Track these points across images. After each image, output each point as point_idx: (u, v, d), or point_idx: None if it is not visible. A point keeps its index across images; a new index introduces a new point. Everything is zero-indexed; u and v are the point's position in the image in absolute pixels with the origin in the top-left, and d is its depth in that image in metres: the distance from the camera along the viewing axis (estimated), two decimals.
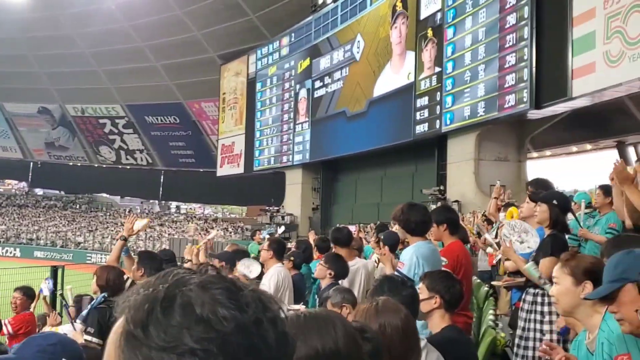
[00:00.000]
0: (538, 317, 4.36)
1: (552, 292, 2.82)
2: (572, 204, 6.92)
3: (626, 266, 2.32)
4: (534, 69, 14.28)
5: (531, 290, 4.49)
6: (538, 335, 4.35)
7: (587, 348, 2.66)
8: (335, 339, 1.45)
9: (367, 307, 2.59)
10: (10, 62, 42.21)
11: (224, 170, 33.89)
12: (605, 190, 6.26)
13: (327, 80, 24.87)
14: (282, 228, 6.87)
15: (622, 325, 2.35)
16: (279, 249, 6.64)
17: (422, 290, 3.48)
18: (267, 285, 6.17)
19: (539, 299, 4.41)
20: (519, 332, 4.54)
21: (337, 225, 7.10)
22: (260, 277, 6.82)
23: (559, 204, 4.52)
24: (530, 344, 4.40)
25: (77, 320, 5.18)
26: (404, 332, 2.39)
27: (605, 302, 2.44)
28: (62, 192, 52.29)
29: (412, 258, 4.41)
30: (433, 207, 16.60)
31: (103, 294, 4.86)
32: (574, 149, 18.75)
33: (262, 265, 6.85)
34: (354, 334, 1.52)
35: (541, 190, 5.56)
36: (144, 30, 36.59)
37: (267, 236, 11.23)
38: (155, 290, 0.86)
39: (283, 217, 27.02)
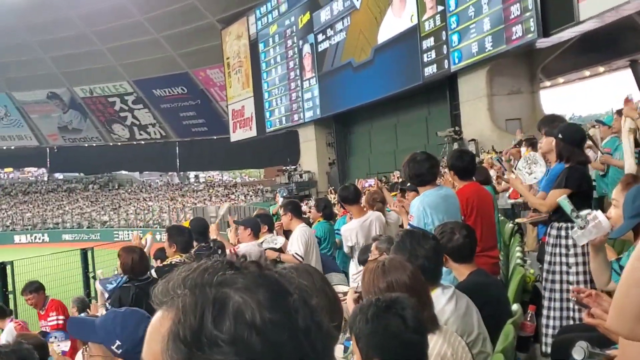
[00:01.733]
0: (563, 250, 4.34)
1: (611, 214, 2.80)
2: (607, 127, 6.84)
3: None
4: None
5: (555, 225, 4.45)
6: (564, 268, 4.34)
7: None
8: None
9: (374, 267, 2.61)
10: (14, 51, 42.20)
11: (237, 135, 33.89)
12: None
13: (329, 32, 24.52)
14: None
15: None
16: (295, 209, 6.64)
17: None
18: (297, 245, 6.20)
19: (563, 233, 4.37)
20: (545, 266, 4.53)
21: (346, 183, 7.10)
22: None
23: (564, 137, 4.43)
24: (557, 277, 4.39)
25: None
26: (412, 288, 2.41)
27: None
28: (82, 174, 52.72)
29: (419, 209, 4.38)
30: (452, 147, 16.55)
31: (127, 276, 4.91)
32: (587, 73, 18.43)
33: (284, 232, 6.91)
34: None
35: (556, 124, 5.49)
36: (140, 2, 36.23)
37: (282, 199, 11.25)
38: (204, 292, 0.84)
39: (301, 175, 27.08)
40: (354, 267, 5.77)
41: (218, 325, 0.81)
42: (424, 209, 4.35)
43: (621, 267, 2.98)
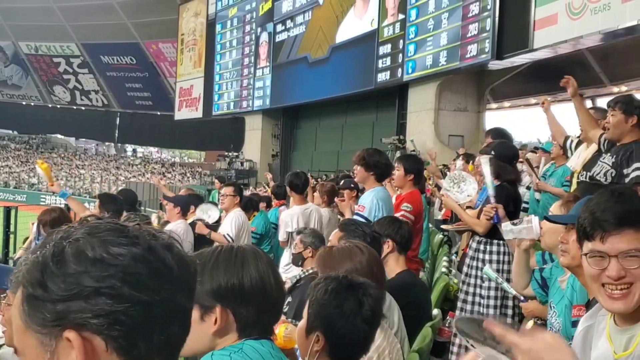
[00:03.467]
0: (480, 264, 4.41)
1: (542, 225, 2.90)
2: (546, 153, 7.03)
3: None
4: (496, 19, 14.22)
5: (476, 238, 4.55)
6: (479, 281, 4.43)
7: (559, 284, 2.82)
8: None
9: (324, 252, 2.62)
10: None
11: (182, 114, 33.33)
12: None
13: (289, 24, 24.40)
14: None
15: (562, 257, 2.48)
16: (242, 195, 6.72)
17: None
18: (229, 227, 6.20)
19: (482, 247, 4.47)
20: (462, 277, 4.63)
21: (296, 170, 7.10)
22: (218, 222, 6.82)
23: (497, 155, 4.51)
24: (471, 289, 4.49)
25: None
26: (374, 274, 2.47)
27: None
28: (15, 132, 51.00)
29: (372, 201, 4.49)
30: (395, 155, 16.71)
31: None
32: (533, 100, 18.86)
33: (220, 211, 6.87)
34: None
35: (498, 139, 5.61)
36: None
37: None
38: (44, 250, 0.87)
39: (242, 163, 26.86)
40: (286, 257, 5.75)
41: (61, 268, 0.85)
42: (377, 201, 4.46)
43: (543, 278, 3.06)
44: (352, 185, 7.21)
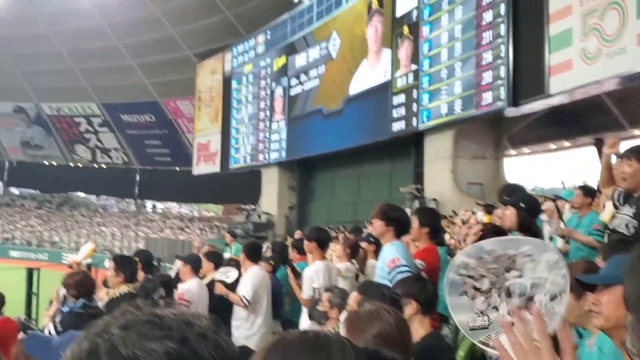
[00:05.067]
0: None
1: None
2: (564, 201, 6.89)
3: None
4: (511, 67, 14.23)
5: None
6: None
7: (587, 347, 2.73)
8: None
9: (353, 316, 2.55)
10: None
11: (200, 168, 33.59)
12: (585, 190, 6.20)
13: (303, 78, 24.71)
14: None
15: (595, 319, 2.38)
16: (253, 252, 6.56)
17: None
18: (246, 288, 6.08)
19: None
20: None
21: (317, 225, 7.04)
22: (237, 281, 6.71)
23: (527, 207, 4.44)
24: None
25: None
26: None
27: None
28: (38, 191, 51.69)
29: (398, 251, 4.33)
30: (412, 205, 16.59)
31: (83, 300, 4.75)
32: (552, 146, 18.77)
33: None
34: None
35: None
36: (120, 28, 36.22)
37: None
38: (81, 346, 0.88)
39: (259, 216, 26.83)
40: (306, 320, 5.53)
41: None
42: (402, 252, 4.33)
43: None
44: (371, 240, 7.11)
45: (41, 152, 48.19)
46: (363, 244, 7.13)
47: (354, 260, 6.91)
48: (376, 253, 6.93)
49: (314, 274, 5.93)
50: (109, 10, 35.36)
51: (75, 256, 6.37)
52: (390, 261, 4.35)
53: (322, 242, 6.20)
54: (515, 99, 14.25)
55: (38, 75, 42.32)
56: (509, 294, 1.52)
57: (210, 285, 6.50)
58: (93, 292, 5.11)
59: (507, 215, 4.68)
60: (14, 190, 53.07)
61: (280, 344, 1.18)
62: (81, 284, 4.89)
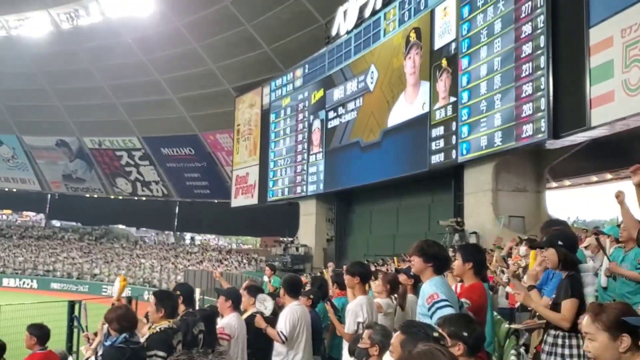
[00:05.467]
0: (559, 359, 4.17)
1: (589, 349, 2.66)
2: (606, 236, 6.72)
3: None
4: (551, 99, 14.08)
5: (552, 332, 4.31)
6: None
7: None
8: None
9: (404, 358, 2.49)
10: (30, 96, 43.00)
11: (238, 201, 33.84)
12: None
13: (340, 110, 24.84)
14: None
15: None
16: (292, 287, 6.49)
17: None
18: (284, 324, 6.03)
19: (560, 341, 4.24)
20: None
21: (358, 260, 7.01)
22: (274, 314, 6.66)
23: (565, 244, 4.37)
24: None
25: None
26: None
27: None
28: (79, 224, 52.63)
29: (438, 288, 4.24)
30: (453, 238, 16.40)
31: (124, 335, 4.77)
32: (594, 178, 18.45)
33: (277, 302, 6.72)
34: None
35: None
36: (160, 63, 37.04)
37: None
38: None
39: (297, 249, 26.82)
40: (347, 357, 5.45)
41: None
42: (441, 287, 4.24)
43: None
44: (411, 273, 6.99)
45: (83, 185, 49.21)
46: (402, 278, 7.02)
47: (393, 296, 6.80)
48: (414, 287, 6.83)
49: (358, 308, 5.84)
50: (149, 46, 36.26)
51: (113, 295, 6.43)
52: (429, 297, 4.26)
53: (365, 276, 6.13)
54: (556, 131, 14.06)
55: (80, 110, 43.47)
56: None
57: (250, 319, 6.46)
58: (135, 326, 5.12)
59: (549, 256, 4.62)
60: (56, 223, 54.20)
61: None
62: (123, 318, 4.90)
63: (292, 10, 29.48)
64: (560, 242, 4.41)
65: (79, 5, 37.03)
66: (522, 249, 7.75)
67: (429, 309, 4.15)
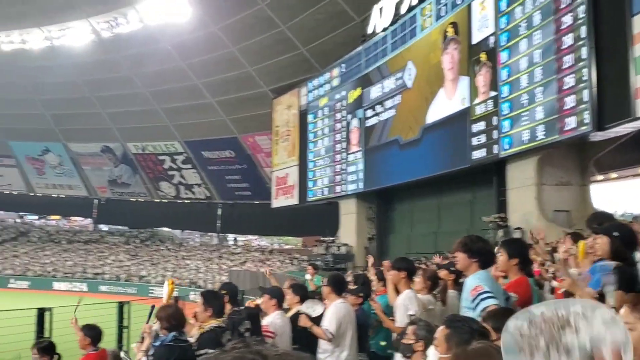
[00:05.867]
0: None
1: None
2: None
3: None
4: (594, 90, 13.80)
5: None
6: None
7: None
8: None
9: (459, 354, 2.49)
10: (74, 104, 44.05)
11: (278, 201, 34.06)
12: None
13: (378, 108, 24.78)
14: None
15: None
16: (337, 285, 6.55)
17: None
18: (329, 321, 6.08)
19: None
20: None
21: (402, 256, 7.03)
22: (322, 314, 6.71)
23: (621, 236, 4.28)
24: None
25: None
26: None
27: None
28: (125, 228, 53.70)
29: (482, 281, 4.22)
30: (496, 235, 16.20)
31: (173, 333, 4.90)
32: None
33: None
34: None
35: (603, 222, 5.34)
36: (199, 68, 37.52)
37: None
38: None
39: (338, 248, 26.85)
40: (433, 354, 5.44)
41: None
42: (486, 280, 4.22)
43: None
44: (451, 269, 6.96)
45: (128, 189, 50.17)
46: (442, 274, 7.00)
47: (435, 292, 6.78)
48: (455, 282, 6.80)
49: (407, 302, 5.86)
50: (187, 51, 36.74)
51: (163, 297, 6.58)
52: (473, 289, 4.25)
53: (411, 271, 6.16)
54: (600, 123, 13.77)
55: (123, 116, 44.35)
56: (567, 351, 1.48)
57: (293, 318, 6.53)
58: (183, 325, 5.25)
59: (599, 243, 4.53)
60: (103, 227, 55.42)
61: None
62: (173, 317, 5.04)
63: (327, 10, 29.52)
64: (616, 233, 4.35)
65: (118, 13, 37.72)
66: (567, 243, 7.61)
67: (473, 301, 4.15)
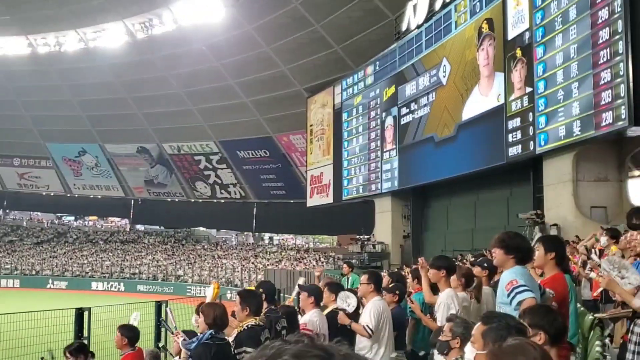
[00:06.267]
0: None
1: None
2: None
3: None
4: (631, 85, 13.60)
5: (639, 321, 4.24)
6: None
7: None
8: None
9: (495, 351, 2.54)
10: (109, 105, 44.71)
11: (313, 200, 34.19)
12: None
13: (413, 106, 24.72)
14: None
15: None
16: (378, 282, 6.62)
17: None
18: (369, 318, 6.15)
19: None
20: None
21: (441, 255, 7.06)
22: (357, 310, 6.80)
23: None
24: None
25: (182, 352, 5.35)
26: None
27: None
28: (162, 227, 54.36)
29: (518, 276, 4.25)
30: (533, 231, 16.07)
31: (210, 331, 4.99)
32: None
33: (359, 299, 6.85)
34: None
35: None
36: (233, 68, 37.80)
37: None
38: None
39: (374, 246, 26.88)
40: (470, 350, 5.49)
41: None
42: (521, 274, 4.24)
43: None
44: (484, 265, 6.99)
45: (164, 189, 50.77)
46: (476, 271, 7.02)
47: (469, 290, 6.80)
48: (489, 279, 6.83)
49: (449, 300, 5.89)
50: (221, 51, 37.05)
51: (206, 299, 6.70)
52: (508, 283, 4.29)
53: (450, 270, 6.19)
54: (637, 118, 13.57)
55: (158, 117, 44.92)
56: None
57: (331, 315, 6.62)
58: (225, 327, 5.32)
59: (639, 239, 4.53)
60: (140, 227, 56.23)
61: None
62: (219, 317, 5.11)
63: (361, 7, 29.53)
64: None
65: (153, 14, 38.26)
66: (603, 239, 7.58)
67: (508, 295, 4.19)
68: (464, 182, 22.49)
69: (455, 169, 21.69)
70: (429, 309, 6.85)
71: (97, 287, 41.27)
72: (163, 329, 11.63)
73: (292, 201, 42.17)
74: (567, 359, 4.53)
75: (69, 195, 54.33)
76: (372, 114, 28.07)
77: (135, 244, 49.75)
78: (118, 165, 51.12)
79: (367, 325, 6.11)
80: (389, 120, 26.56)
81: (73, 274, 43.80)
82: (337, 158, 31.14)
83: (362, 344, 6.34)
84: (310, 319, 6.39)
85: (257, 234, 51.38)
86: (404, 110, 25.43)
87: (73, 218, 60.54)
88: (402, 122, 25.49)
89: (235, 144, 43.85)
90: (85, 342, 9.13)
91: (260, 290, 6.82)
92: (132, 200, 53.18)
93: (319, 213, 36.28)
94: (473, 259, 10.47)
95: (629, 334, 4.41)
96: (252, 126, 41.08)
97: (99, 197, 53.52)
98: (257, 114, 40.21)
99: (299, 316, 6.69)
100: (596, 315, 6.67)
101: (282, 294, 17.62)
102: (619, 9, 14.00)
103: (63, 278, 43.20)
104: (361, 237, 28.28)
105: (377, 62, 27.79)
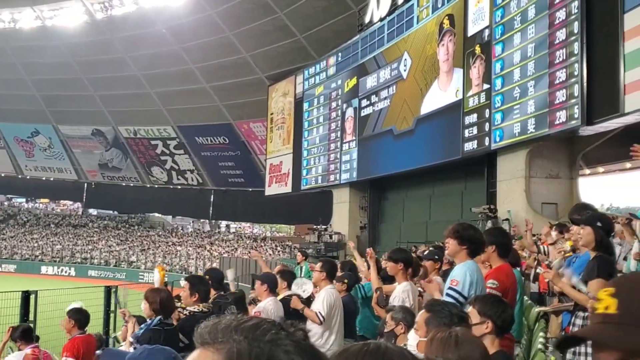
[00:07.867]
0: (589, 341, 4.25)
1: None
2: (638, 220, 6.77)
3: None
4: (584, 85, 13.96)
5: (580, 314, 4.41)
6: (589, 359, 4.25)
7: None
8: None
9: (444, 336, 2.58)
10: (65, 85, 43.75)
11: (272, 189, 34.15)
12: None
13: (373, 98, 24.88)
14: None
15: None
16: (331, 271, 6.68)
17: (472, 314, 3.44)
18: (321, 305, 6.21)
19: (588, 323, 4.31)
20: (569, 356, 4.44)
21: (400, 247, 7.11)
22: (310, 296, 6.87)
23: (603, 226, 4.44)
24: None
25: (130, 339, 5.31)
26: None
27: None
28: (116, 212, 53.54)
29: (465, 275, 4.36)
30: (485, 225, 16.38)
31: (159, 317, 4.96)
32: (628, 165, 18.19)
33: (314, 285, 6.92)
34: None
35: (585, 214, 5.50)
36: (194, 52, 37.41)
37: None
38: (258, 345, 0.96)
39: (331, 236, 27.01)
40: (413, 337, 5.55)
41: None
42: (469, 276, 4.34)
43: None
44: (435, 257, 7.13)
45: (119, 174, 50.03)
46: (428, 264, 7.14)
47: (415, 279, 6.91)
48: (439, 271, 6.96)
49: (404, 295, 5.95)
50: (182, 35, 36.62)
51: (154, 284, 6.68)
52: (452, 280, 4.42)
53: (407, 262, 6.25)
54: (589, 118, 13.95)
55: (115, 99, 44.16)
56: None
57: (284, 302, 6.66)
58: (173, 311, 5.31)
59: (584, 234, 4.68)
60: (93, 211, 55.26)
61: (344, 355, 1.23)
62: (163, 301, 5.08)
63: None
64: (599, 224, 4.51)
65: None
66: (553, 234, 7.79)
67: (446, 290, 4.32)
68: (420, 175, 22.77)
69: (412, 162, 21.94)
70: (384, 300, 6.93)
71: (47, 271, 40.51)
72: (112, 315, 11.54)
73: (250, 189, 42.06)
74: (510, 349, 4.66)
75: (20, 176, 53.09)
76: (333, 104, 28.14)
77: (88, 229, 48.94)
78: (72, 147, 50.09)
79: (320, 312, 6.17)
80: (350, 112, 26.68)
81: (22, 257, 42.89)
82: (296, 147, 31.14)
83: (313, 330, 6.40)
84: (265, 306, 6.41)
85: (214, 221, 51.07)
86: (364, 102, 25.57)
87: (24, 200, 59.10)
88: (363, 114, 25.64)
89: (194, 130, 43.44)
90: (31, 325, 8.99)
91: (207, 277, 6.85)
92: (86, 184, 52.24)
93: (277, 202, 36.25)
94: (427, 252, 10.62)
95: (570, 326, 4.56)
96: (212, 112, 40.74)
97: (52, 179, 52.43)
98: (217, 100, 39.90)
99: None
100: (539, 309, 6.87)
101: (237, 282, 17.63)
102: (576, 11, 14.34)
103: (12, 261, 42.30)
104: (318, 227, 28.38)
105: (340, 53, 27.83)
